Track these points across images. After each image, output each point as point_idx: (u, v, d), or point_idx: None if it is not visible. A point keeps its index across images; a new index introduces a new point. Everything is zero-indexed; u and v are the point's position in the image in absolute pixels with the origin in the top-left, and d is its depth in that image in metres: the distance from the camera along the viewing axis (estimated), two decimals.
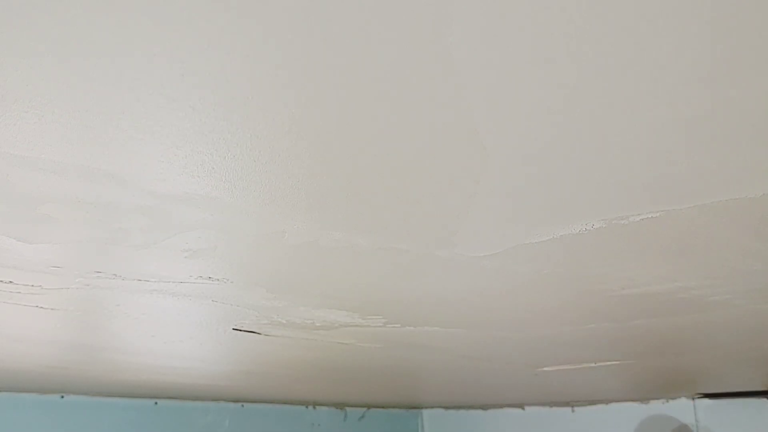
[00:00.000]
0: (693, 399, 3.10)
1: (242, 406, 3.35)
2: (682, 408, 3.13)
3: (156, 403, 3.08)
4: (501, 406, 3.78)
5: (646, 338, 1.73)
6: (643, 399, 3.26)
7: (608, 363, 2.17)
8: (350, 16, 0.49)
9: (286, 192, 0.80)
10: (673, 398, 3.16)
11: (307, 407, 3.59)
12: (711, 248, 1.01)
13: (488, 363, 2.18)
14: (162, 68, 0.55)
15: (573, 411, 3.53)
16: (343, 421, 3.69)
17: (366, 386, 2.90)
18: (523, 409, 3.72)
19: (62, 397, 2.85)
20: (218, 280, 1.16)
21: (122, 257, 1.03)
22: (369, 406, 3.81)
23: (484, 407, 3.84)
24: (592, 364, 2.18)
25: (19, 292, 1.21)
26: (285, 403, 3.48)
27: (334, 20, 0.49)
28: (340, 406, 3.69)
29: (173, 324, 1.53)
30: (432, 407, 4.04)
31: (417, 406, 4.01)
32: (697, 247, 1.00)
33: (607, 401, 3.40)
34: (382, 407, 3.88)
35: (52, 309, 1.36)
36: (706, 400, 3.08)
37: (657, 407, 3.22)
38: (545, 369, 2.29)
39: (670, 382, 2.65)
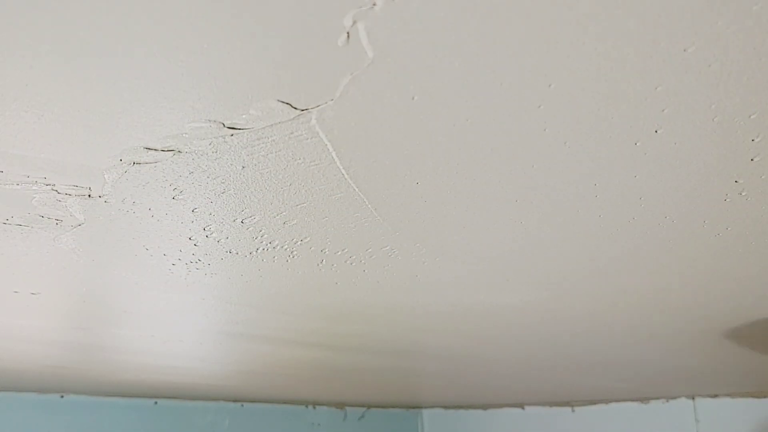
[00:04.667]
0: (693, 399, 3.10)
1: (242, 406, 3.35)
2: (682, 408, 3.13)
3: (156, 403, 3.08)
4: (501, 406, 3.78)
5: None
6: (643, 399, 3.25)
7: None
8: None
9: None
10: (673, 398, 3.16)
11: (307, 407, 3.59)
12: None
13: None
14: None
15: (573, 411, 3.53)
16: (343, 420, 3.70)
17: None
18: (523, 408, 3.72)
19: (62, 396, 2.85)
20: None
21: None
22: (369, 406, 3.81)
23: (484, 407, 3.84)
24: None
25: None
26: (285, 402, 3.48)
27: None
28: (340, 405, 3.69)
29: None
30: (432, 407, 4.04)
31: (417, 406, 4.01)
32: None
33: (607, 401, 3.40)
34: (382, 407, 3.88)
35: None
36: (706, 400, 3.08)
37: (657, 407, 3.22)
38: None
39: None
